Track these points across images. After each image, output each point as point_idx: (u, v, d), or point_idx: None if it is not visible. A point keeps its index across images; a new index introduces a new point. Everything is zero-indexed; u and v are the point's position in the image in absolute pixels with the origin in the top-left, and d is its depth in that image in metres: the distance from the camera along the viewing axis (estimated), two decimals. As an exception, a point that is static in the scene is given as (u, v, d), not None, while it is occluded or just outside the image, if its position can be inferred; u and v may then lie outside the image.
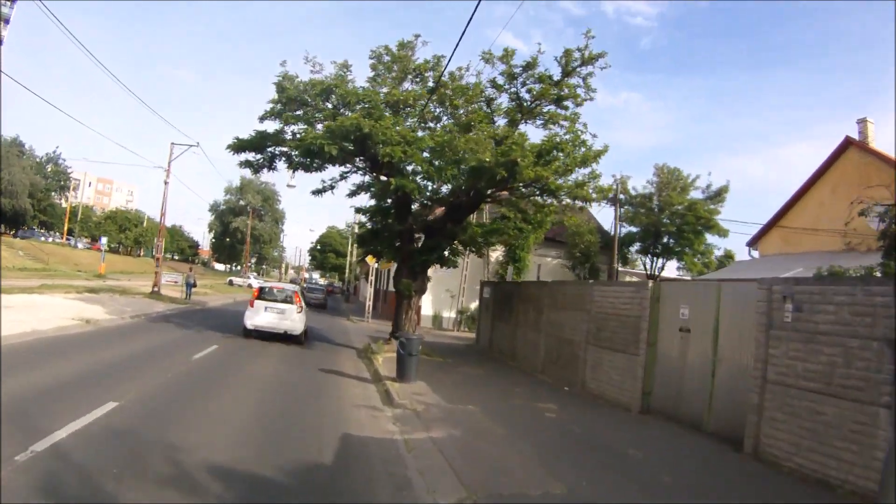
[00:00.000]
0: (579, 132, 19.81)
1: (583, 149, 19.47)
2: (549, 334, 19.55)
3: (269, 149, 21.76)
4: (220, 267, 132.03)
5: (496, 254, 38.35)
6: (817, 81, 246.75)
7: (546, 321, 19.82)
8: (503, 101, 22.16)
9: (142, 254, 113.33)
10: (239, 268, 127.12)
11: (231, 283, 73.80)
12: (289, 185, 40.98)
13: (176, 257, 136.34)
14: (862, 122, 26.21)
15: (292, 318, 21.43)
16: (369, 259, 38.20)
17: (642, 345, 14.23)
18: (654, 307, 14.23)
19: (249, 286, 71.17)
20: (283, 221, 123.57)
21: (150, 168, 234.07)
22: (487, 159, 18.05)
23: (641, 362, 14.16)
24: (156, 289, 38.19)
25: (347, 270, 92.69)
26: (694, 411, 12.54)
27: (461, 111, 21.13)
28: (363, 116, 18.93)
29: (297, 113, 20.69)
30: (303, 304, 22.64)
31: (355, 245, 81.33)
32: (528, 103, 21.21)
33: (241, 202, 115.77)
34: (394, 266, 40.43)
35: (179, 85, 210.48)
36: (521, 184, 19.64)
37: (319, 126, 20.47)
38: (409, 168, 20.27)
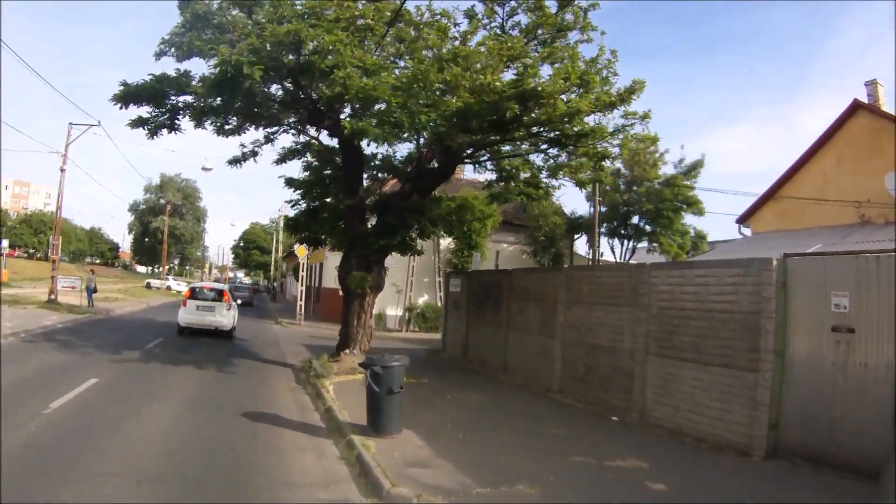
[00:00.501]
0: (609, 61, 13.86)
1: (610, 88, 13.57)
2: (570, 340, 13.82)
3: (170, 99, 15.01)
4: (142, 269, 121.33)
5: (446, 241, 32.33)
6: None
7: (564, 323, 14.07)
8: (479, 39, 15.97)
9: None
10: (159, 269, 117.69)
11: (149, 286, 65.48)
12: (204, 169, 32.88)
13: (97, 261, 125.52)
14: (872, 84, 21.95)
15: (222, 315, 21.89)
16: (298, 251, 31.62)
17: (764, 354, 8.81)
18: (779, 297, 8.58)
19: (168, 289, 63.25)
20: (205, 219, 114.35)
21: (69, 167, 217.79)
22: (496, 84, 12.13)
23: (764, 381, 8.77)
24: (52, 296, 30.77)
25: (273, 268, 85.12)
26: (864, 453, 7.77)
27: (430, 52, 14.75)
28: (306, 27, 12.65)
29: (208, 35, 13.87)
30: (231, 301, 23.07)
31: (283, 237, 74.32)
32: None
33: (162, 201, 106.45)
34: (328, 259, 34.30)
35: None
36: (537, 126, 13.68)
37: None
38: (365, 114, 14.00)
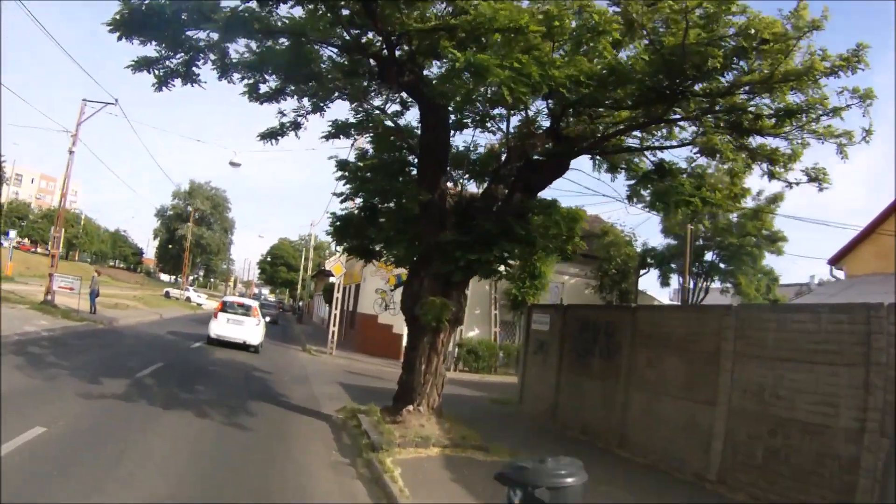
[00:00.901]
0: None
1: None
2: (741, 410, 9.22)
3: (187, 33, 10.35)
4: (165, 278, 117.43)
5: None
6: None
7: (731, 384, 9.38)
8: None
9: (76, 257, 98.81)
10: (184, 279, 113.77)
11: (167, 295, 61.18)
12: (232, 164, 28.06)
13: (120, 265, 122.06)
14: None
15: (251, 329, 22.24)
16: (335, 268, 26.98)
17: None
18: None
19: (188, 300, 58.79)
20: (233, 231, 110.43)
21: (89, 159, 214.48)
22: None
23: None
24: (49, 297, 26.14)
25: (300, 287, 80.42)
26: None
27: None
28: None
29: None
30: (260, 317, 23.36)
31: (314, 255, 69.85)
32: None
33: (189, 208, 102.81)
34: (366, 280, 29.53)
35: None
36: (723, 95, 8.92)
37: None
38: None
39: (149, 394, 11.50)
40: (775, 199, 29.58)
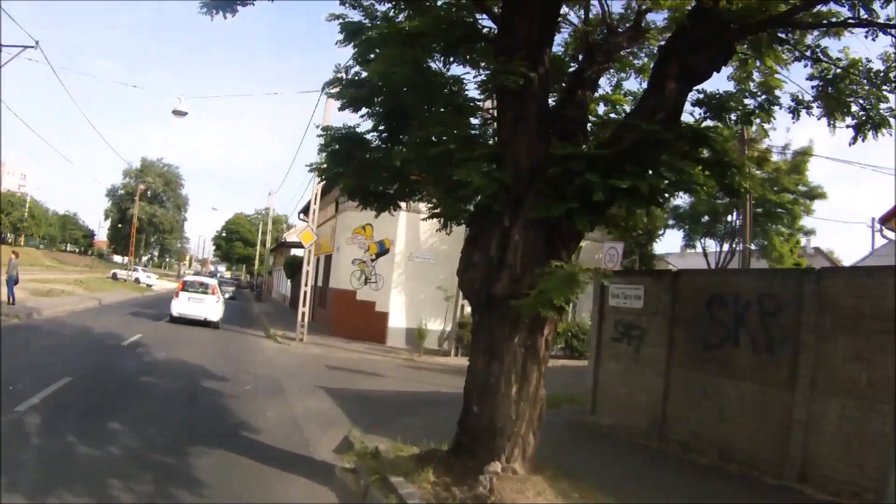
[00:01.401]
0: None
1: None
2: None
3: None
4: (119, 259, 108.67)
5: None
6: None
7: None
8: None
9: (23, 243, 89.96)
10: (138, 260, 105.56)
11: (115, 276, 54.11)
12: (176, 113, 21.48)
13: (72, 248, 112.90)
14: None
15: (211, 306, 22.23)
16: (304, 236, 21.26)
17: None
18: None
19: (137, 281, 51.95)
20: (186, 208, 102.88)
21: (50, 150, 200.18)
22: None
23: None
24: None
25: (257, 262, 73.85)
26: None
27: None
28: None
29: None
30: (220, 294, 23.40)
31: (283, 225, 63.33)
32: None
33: (142, 186, 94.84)
34: (340, 250, 23.94)
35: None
36: None
37: None
38: None
39: (9, 450, 5.91)
40: (805, 153, 25.10)
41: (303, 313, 20.76)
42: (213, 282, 25.08)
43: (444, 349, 20.95)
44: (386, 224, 21.99)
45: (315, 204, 21.18)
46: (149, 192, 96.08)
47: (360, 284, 22.46)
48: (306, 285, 21.02)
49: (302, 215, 34.94)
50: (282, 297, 49.54)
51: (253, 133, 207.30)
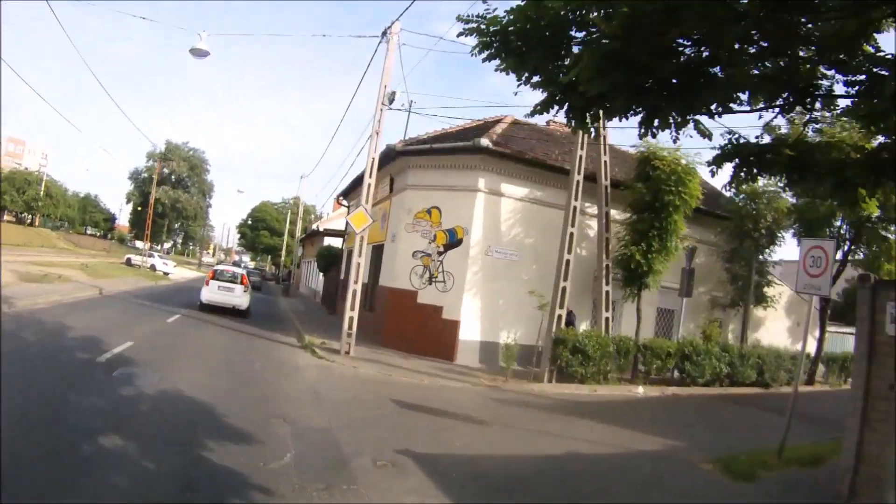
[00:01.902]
0: None
1: None
2: None
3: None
4: (141, 244, 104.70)
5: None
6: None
7: None
8: None
9: (37, 223, 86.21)
10: (160, 247, 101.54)
11: (129, 262, 49.53)
12: (195, 52, 16.41)
13: (90, 231, 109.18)
14: None
15: (240, 296, 22.51)
16: (355, 218, 16.01)
17: None
18: None
19: (152, 268, 47.29)
20: (212, 195, 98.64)
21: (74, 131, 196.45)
22: None
23: None
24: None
25: (284, 253, 69.14)
26: None
27: None
28: None
29: None
30: (248, 284, 23.81)
31: (311, 216, 58.45)
32: None
33: (166, 170, 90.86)
34: (396, 239, 18.78)
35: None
36: None
37: None
38: None
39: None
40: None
41: (350, 319, 15.64)
42: (242, 271, 25.54)
43: (532, 371, 15.73)
44: (458, 206, 16.94)
45: (371, 177, 16.05)
46: (173, 177, 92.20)
47: (423, 283, 17.34)
48: (356, 282, 15.86)
49: (342, 199, 29.80)
50: (312, 293, 44.58)
51: (284, 113, 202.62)
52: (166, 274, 47.08)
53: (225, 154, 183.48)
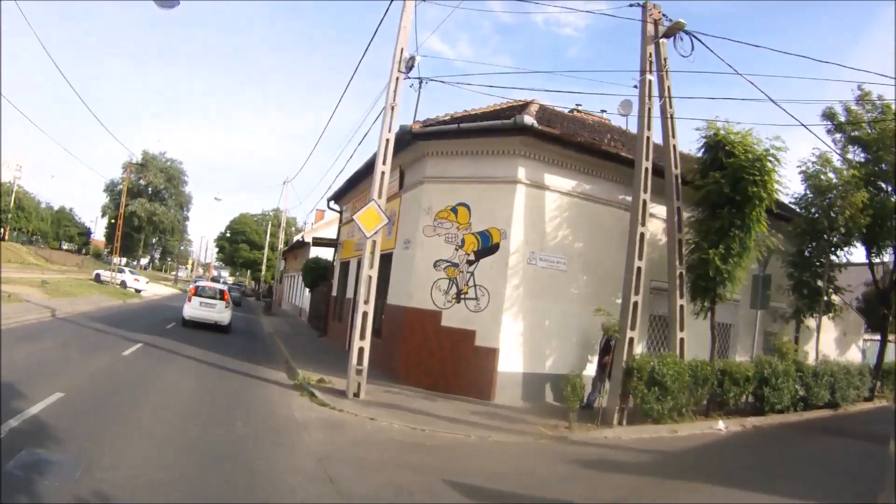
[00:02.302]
0: None
1: None
2: None
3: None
4: (117, 260, 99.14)
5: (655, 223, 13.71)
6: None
7: None
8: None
9: (6, 237, 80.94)
10: (136, 262, 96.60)
11: (98, 278, 45.04)
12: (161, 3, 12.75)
13: (65, 247, 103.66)
14: None
15: (221, 312, 22.32)
16: (365, 217, 12.02)
17: None
18: None
19: (122, 284, 42.93)
20: (189, 207, 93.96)
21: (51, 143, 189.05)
22: None
23: None
24: None
25: (265, 266, 64.87)
26: None
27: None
28: None
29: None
30: (230, 300, 23.59)
31: (293, 228, 54.21)
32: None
33: (142, 182, 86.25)
34: (410, 245, 14.74)
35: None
36: None
37: None
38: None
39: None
40: None
41: (360, 350, 11.78)
42: (224, 287, 25.66)
43: (597, 411, 12.01)
44: (493, 203, 13.24)
45: (384, 163, 12.19)
46: (149, 189, 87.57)
47: (449, 301, 13.55)
48: (366, 302, 12.00)
49: (333, 203, 25.84)
50: (296, 310, 40.50)
51: (263, 123, 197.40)
52: (138, 291, 42.81)
53: (203, 165, 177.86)
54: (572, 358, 13.86)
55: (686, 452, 10.67)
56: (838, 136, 20.35)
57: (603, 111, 20.37)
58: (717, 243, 13.53)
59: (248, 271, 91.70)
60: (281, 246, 49.47)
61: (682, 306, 13.46)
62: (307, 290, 32.86)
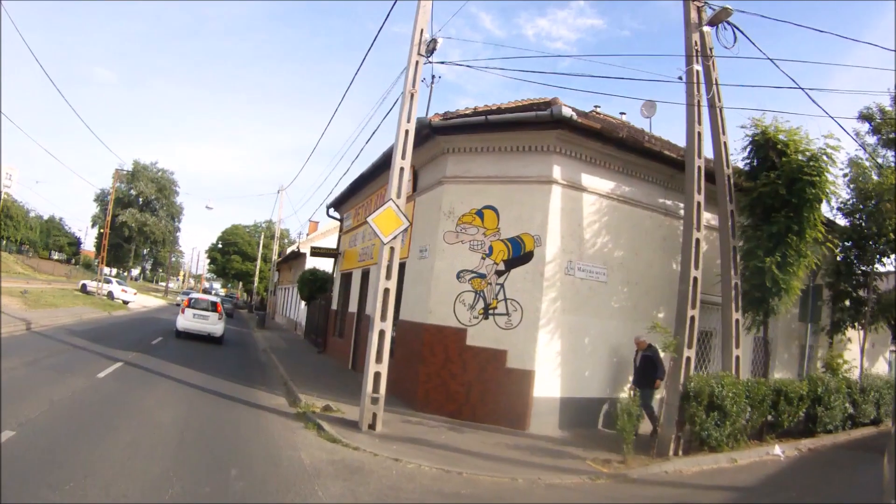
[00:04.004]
0: None
1: None
2: None
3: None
4: (108, 270, 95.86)
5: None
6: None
7: None
8: None
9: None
10: (126, 273, 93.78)
11: (84, 289, 42.58)
12: None
13: (55, 256, 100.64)
14: None
15: (214, 323, 22.02)
16: (382, 219, 10.00)
17: None
18: None
19: (109, 295, 40.60)
20: (181, 218, 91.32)
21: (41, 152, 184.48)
22: None
23: None
24: None
25: (257, 279, 62.62)
26: None
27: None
28: None
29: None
30: (223, 311, 23.16)
31: (285, 240, 52.08)
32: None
33: (133, 191, 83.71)
34: (427, 253, 12.60)
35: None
36: None
37: None
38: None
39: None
40: None
41: (376, 375, 9.80)
42: (216, 299, 24.77)
43: (652, 442, 10.10)
44: (525, 206, 11.37)
45: (403, 157, 10.25)
46: (140, 199, 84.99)
47: (476, 317, 11.60)
48: (383, 319, 10.01)
49: (332, 211, 23.84)
50: (291, 324, 38.33)
51: (257, 133, 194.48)
52: (125, 303, 40.50)
53: (195, 176, 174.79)
54: (612, 379, 12.03)
55: (757, 488, 9.04)
56: (873, 139, 18.77)
57: (622, 113, 18.66)
58: (773, 250, 11.91)
59: (241, 283, 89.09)
60: (275, 257, 47.22)
61: (737, 320, 11.61)
62: (303, 302, 30.76)
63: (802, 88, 11.91)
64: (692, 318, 10.58)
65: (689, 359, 10.40)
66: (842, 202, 16.33)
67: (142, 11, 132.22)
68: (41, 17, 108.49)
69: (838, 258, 16.55)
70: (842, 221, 16.57)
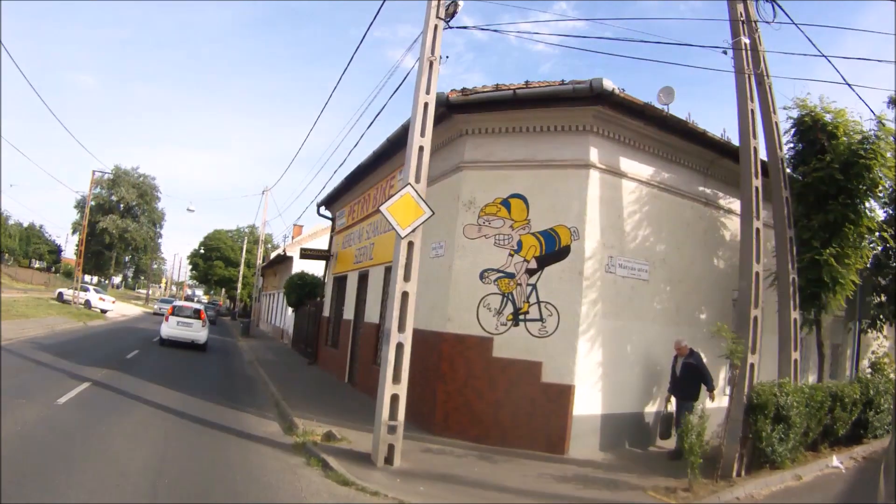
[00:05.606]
0: None
1: None
2: None
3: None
4: (89, 278, 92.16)
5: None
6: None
7: None
8: None
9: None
10: (107, 281, 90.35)
11: (61, 297, 39.87)
12: None
13: (36, 265, 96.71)
14: None
15: (198, 330, 21.78)
16: (398, 208, 8.04)
17: None
18: None
19: (87, 304, 38.01)
20: (162, 224, 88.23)
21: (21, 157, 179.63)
22: None
23: None
24: None
25: (240, 285, 60.15)
26: None
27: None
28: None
29: None
30: (206, 319, 22.94)
31: (269, 245, 49.76)
32: None
33: (114, 197, 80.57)
34: (444, 249, 10.53)
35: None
36: None
37: None
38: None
39: None
40: None
41: (394, 398, 7.85)
42: (200, 307, 24.34)
43: (719, 461, 8.30)
44: (559, 194, 9.51)
45: (423, 135, 8.34)
46: (121, 205, 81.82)
47: (503, 324, 9.70)
48: (402, 330, 8.06)
49: (324, 209, 21.79)
50: (277, 332, 36.10)
51: (237, 139, 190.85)
52: (103, 311, 37.95)
53: (177, 182, 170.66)
54: (654, 391, 10.25)
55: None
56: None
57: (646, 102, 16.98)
58: (829, 241, 10.33)
59: (223, 289, 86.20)
60: (259, 262, 44.87)
61: (795, 319, 9.89)
62: (290, 309, 28.60)
63: (850, 85, 10.27)
64: (755, 318, 8.86)
65: (752, 365, 8.66)
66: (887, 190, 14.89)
67: (124, 17, 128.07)
68: (23, 22, 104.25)
69: (877, 250, 15.07)
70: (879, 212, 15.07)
